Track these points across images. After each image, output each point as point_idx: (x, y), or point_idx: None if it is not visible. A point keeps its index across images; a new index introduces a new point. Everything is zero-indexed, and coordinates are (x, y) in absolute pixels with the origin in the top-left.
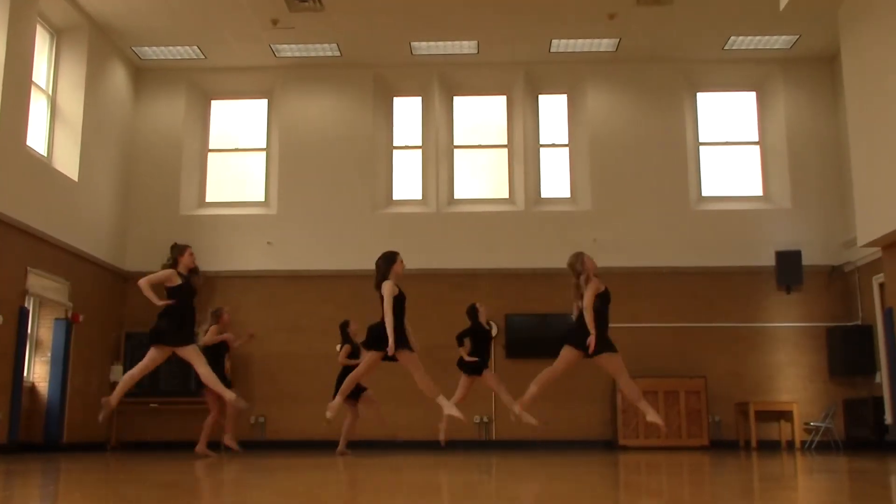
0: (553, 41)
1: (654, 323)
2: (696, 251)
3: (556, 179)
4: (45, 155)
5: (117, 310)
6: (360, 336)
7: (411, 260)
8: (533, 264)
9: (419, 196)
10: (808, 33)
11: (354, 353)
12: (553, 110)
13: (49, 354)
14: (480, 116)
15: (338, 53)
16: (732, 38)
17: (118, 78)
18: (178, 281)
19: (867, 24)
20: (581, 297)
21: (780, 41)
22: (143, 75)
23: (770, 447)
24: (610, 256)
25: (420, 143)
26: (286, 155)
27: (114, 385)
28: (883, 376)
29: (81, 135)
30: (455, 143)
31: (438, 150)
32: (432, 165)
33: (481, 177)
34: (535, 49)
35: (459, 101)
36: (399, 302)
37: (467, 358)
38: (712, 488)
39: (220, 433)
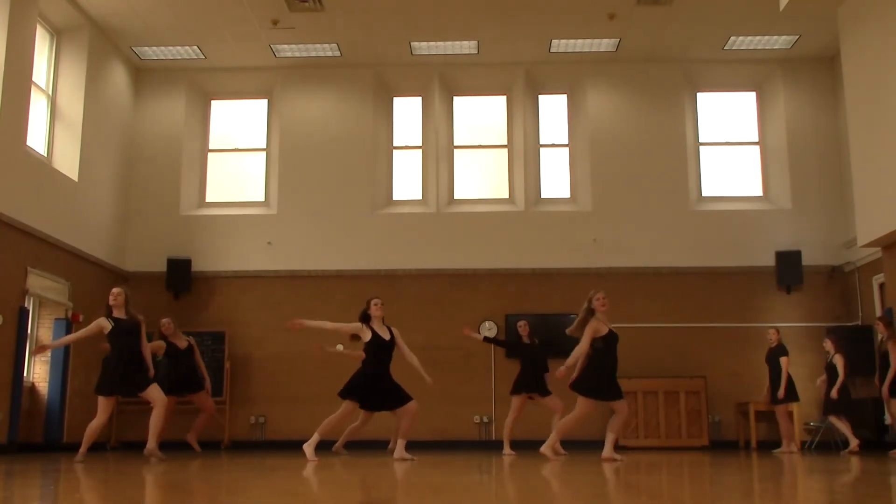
0: (553, 41)
1: (654, 323)
2: (696, 251)
3: (556, 179)
4: (45, 155)
5: None
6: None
7: (411, 260)
8: (533, 264)
9: (419, 196)
10: (808, 33)
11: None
12: (553, 110)
13: (49, 354)
14: (480, 116)
15: (338, 53)
16: (732, 38)
17: (118, 78)
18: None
19: (867, 24)
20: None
21: (780, 41)
22: (143, 75)
23: (770, 447)
24: (610, 256)
25: (420, 143)
26: (286, 155)
27: None
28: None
29: (81, 135)
30: (455, 143)
31: (438, 150)
32: (432, 165)
33: (481, 177)
34: (535, 49)
35: (459, 101)
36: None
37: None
38: (712, 488)
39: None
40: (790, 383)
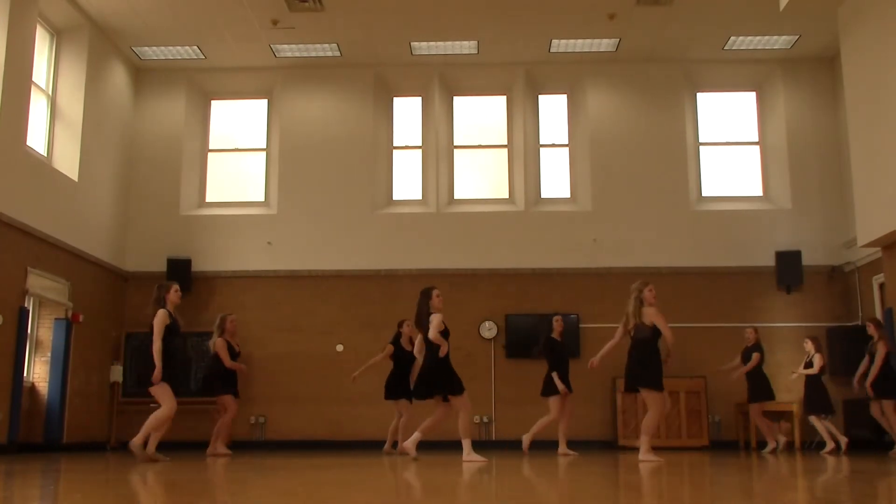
0: (553, 41)
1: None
2: (696, 251)
3: (556, 179)
4: (45, 155)
5: (117, 310)
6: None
7: (411, 260)
8: (533, 264)
9: (419, 196)
10: (808, 33)
11: (401, 357)
12: (553, 110)
13: (49, 354)
14: (480, 116)
15: (338, 53)
16: (732, 38)
17: (118, 78)
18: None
19: (867, 24)
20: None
21: (780, 41)
22: (143, 75)
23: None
24: (610, 256)
25: (420, 143)
26: (286, 155)
27: (113, 385)
28: None
29: (81, 135)
30: (455, 143)
31: (438, 150)
32: (432, 165)
33: (481, 177)
34: (535, 49)
35: (459, 101)
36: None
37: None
38: (712, 488)
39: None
40: (765, 381)
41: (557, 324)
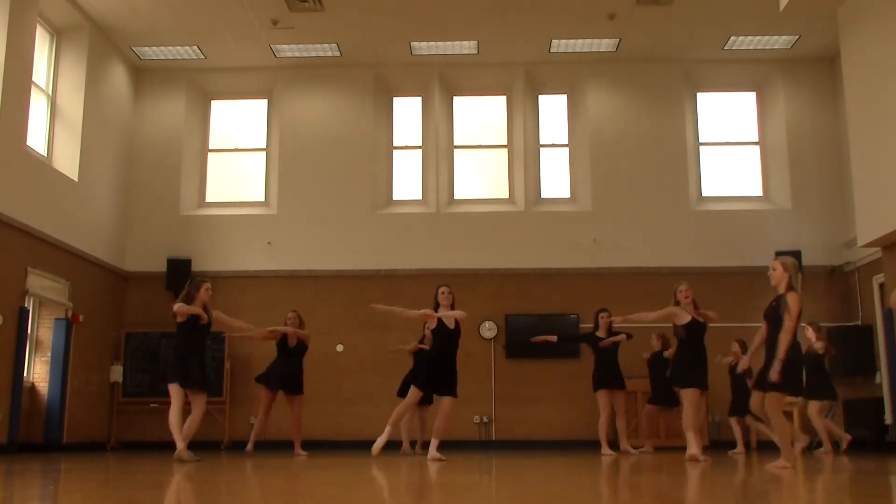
0: (553, 41)
1: (654, 323)
2: (696, 251)
3: (556, 179)
4: (45, 155)
5: (117, 310)
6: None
7: (411, 260)
8: (533, 264)
9: (419, 196)
10: (808, 33)
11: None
12: (553, 110)
13: (49, 354)
14: (480, 116)
15: (338, 53)
16: (732, 38)
17: (118, 78)
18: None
19: (867, 24)
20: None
21: (780, 41)
22: (143, 75)
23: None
24: (610, 256)
25: (420, 143)
26: (286, 155)
27: (113, 385)
28: (883, 377)
29: (81, 135)
30: (455, 143)
31: (438, 150)
32: (432, 165)
33: (481, 177)
34: (535, 49)
35: (459, 101)
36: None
37: None
38: (712, 488)
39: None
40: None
41: (603, 321)
